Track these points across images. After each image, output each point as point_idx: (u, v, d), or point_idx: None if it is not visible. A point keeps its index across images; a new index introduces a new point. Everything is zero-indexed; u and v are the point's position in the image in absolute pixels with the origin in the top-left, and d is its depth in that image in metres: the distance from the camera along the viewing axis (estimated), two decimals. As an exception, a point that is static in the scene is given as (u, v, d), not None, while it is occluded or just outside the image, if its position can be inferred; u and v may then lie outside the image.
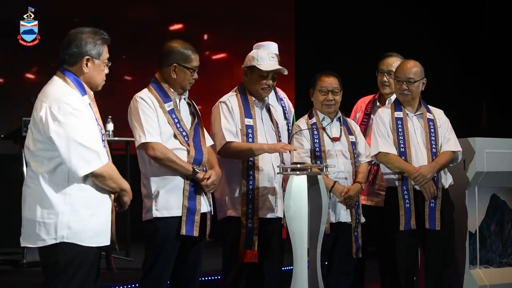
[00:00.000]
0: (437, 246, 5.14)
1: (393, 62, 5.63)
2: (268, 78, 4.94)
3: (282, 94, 5.63)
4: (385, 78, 5.67)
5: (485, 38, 10.17)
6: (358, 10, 10.07)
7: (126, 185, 3.84)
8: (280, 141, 5.05)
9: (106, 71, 3.89)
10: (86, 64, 3.79)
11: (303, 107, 5.61)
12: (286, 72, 4.97)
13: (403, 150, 5.16)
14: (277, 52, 5.46)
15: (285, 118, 5.41)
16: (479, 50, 10.21)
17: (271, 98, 5.34)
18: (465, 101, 9.53)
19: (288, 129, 5.35)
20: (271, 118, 5.07)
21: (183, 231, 4.38)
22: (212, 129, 4.91)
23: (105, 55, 3.85)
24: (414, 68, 5.21)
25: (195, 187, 4.44)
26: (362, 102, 5.91)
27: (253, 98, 4.98)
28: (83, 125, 3.64)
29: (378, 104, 5.73)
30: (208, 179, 4.44)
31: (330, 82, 5.18)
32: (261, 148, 4.83)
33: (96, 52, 3.80)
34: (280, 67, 4.96)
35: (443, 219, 5.09)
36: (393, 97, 5.58)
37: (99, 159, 3.66)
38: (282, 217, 4.92)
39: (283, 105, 5.54)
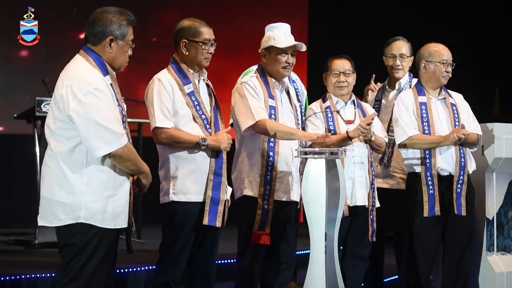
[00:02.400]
0: (459, 232, 5.10)
1: (402, 46, 5.65)
2: (288, 55, 4.86)
3: (294, 76, 5.58)
4: (398, 62, 5.63)
5: (497, 22, 10.10)
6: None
7: (145, 167, 3.81)
8: (298, 124, 5.00)
9: (130, 52, 3.83)
10: (110, 45, 3.74)
11: (314, 92, 5.55)
12: (304, 48, 4.89)
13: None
14: (290, 33, 5.40)
15: (298, 100, 5.36)
16: (491, 35, 10.13)
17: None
18: (476, 87, 9.45)
19: (301, 111, 5.29)
20: (290, 101, 5.01)
21: (206, 221, 4.35)
22: (237, 108, 4.80)
23: (130, 36, 3.80)
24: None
25: (219, 174, 4.40)
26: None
27: (273, 80, 4.90)
28: (103, 105, 3.60)
29: (388, 88, 5.69)
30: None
31: (342, 64, 5.16)
32: (296, 134, 4.75)
33: (121, 33, 3.75)
34: (297, 42, 4.88)
35: (467, 204, 5.05)
36: (403, 80, 5.60)
37: (118, 140, 3.62)
38: (298, 200, 4.89)
39: (295, 87, 5.49)
